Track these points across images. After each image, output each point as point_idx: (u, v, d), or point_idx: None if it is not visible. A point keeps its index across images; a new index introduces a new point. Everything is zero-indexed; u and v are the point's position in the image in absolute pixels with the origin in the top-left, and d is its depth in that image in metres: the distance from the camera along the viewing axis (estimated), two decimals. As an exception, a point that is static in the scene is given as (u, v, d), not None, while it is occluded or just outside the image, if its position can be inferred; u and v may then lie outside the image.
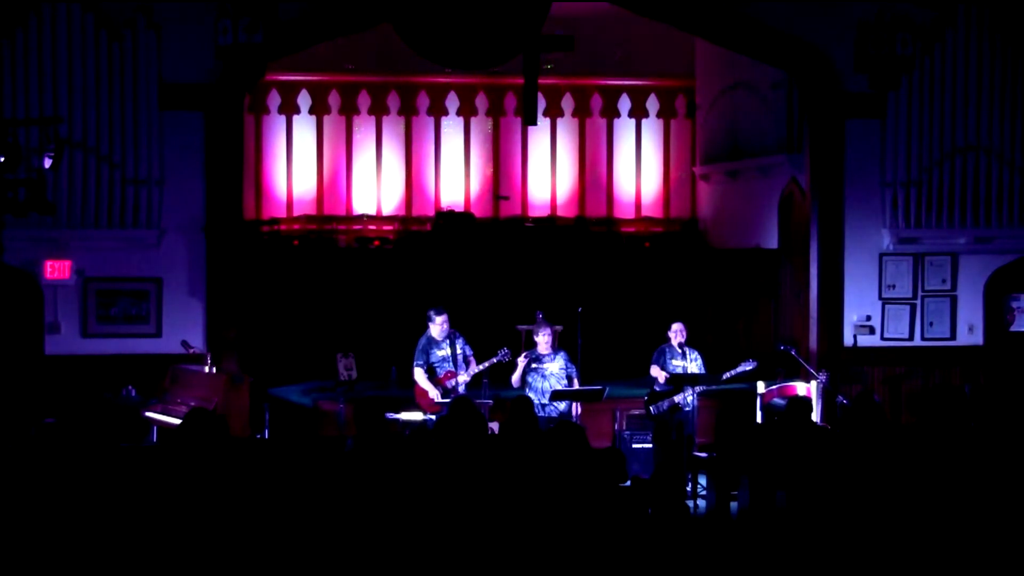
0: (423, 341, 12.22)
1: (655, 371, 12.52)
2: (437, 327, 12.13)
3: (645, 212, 18.54)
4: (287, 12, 12.48)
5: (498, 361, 12.09)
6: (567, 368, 12.31)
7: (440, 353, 12.13)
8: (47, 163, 10.70)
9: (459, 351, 12.15)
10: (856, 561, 7.31)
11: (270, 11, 11.06)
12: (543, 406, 11.94)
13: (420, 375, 12.14)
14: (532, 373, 12.20)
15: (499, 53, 12.89)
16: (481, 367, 12.16)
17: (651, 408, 12.52)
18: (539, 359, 12.27)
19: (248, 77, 13.31)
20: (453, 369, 12.07)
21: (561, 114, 18.35)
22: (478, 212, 18.01)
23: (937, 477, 8.07)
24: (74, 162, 12.81)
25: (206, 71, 13.04)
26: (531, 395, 11.80)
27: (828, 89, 14.11)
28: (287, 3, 12.32)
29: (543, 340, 12.30)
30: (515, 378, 12.27)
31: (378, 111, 18.08)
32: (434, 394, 11.98)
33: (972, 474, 8.10)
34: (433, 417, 11.81)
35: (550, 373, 12.20)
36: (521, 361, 12.23)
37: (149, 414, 12.17)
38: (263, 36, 11.04)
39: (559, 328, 13.19)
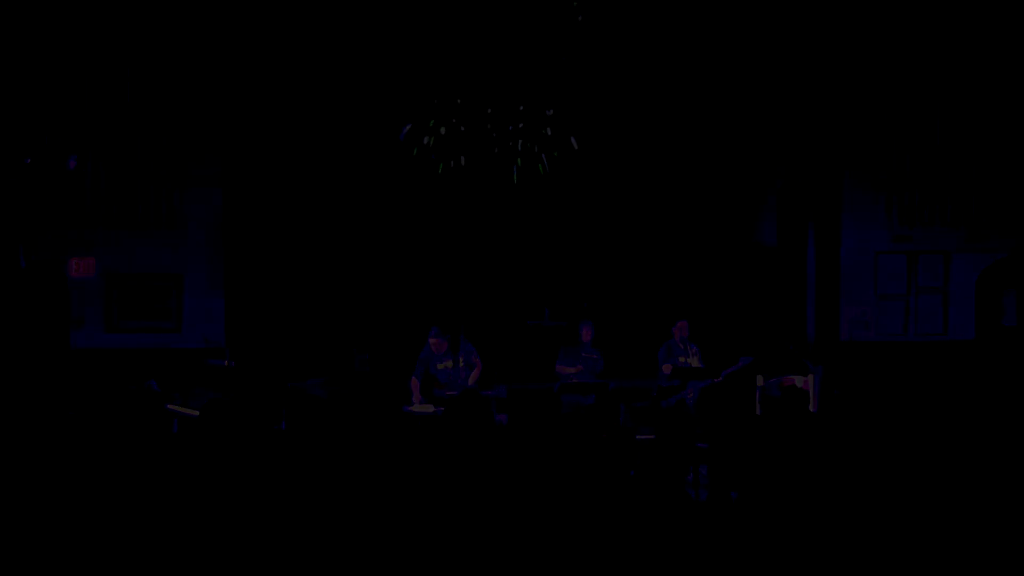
0: (424, 353, 12.35)
1: (665, 368, 12.79)
2: (432, 344, 12.22)
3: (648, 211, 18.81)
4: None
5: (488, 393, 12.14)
6: (598, 365, 12.60)
7: (441, 366, 12.21)
8: (72, 165, 11.06)
9: (462, 363, 12.18)
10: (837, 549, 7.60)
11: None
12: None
13: (414, 384, 12.29)
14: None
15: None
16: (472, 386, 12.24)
17: (662, 403, 12.80)
18: (579, 352, 12.56)
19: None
20: (451, 381, 12.23)
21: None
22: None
23: (924, 467, 8.31)
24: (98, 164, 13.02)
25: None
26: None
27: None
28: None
29: (587, 333, 12.63)
30: (562, 368, 12.59)
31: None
32: (415, 404, 12.11)
33: (965, 466, 8.31)
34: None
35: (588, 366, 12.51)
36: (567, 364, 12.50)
37: (171, 406, 12.52)
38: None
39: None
